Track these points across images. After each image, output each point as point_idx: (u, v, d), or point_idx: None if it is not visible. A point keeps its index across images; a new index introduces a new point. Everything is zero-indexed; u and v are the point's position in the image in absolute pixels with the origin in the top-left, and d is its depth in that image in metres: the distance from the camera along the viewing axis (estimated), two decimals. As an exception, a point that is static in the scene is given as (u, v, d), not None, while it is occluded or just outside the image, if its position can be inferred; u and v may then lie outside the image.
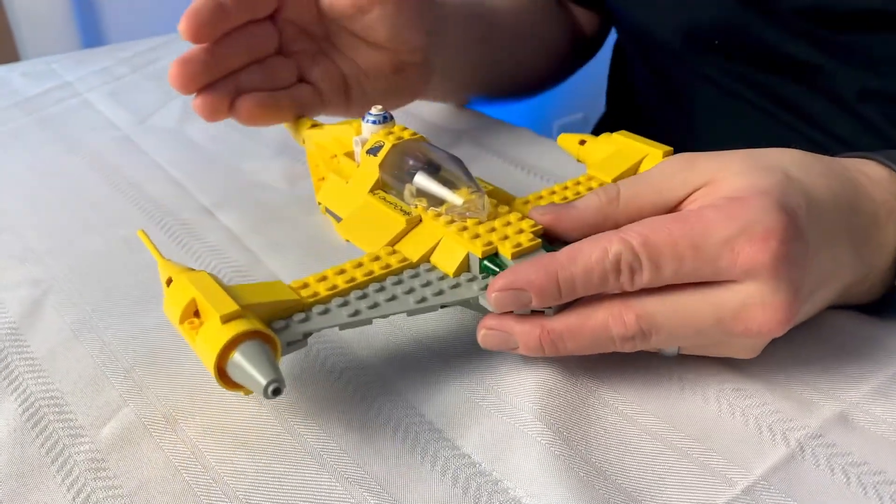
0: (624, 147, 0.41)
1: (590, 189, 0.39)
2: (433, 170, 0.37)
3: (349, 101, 0.49)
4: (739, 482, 0.29)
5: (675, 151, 0.40)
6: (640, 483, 0.29)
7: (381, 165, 0.38)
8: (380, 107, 0.41)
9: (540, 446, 0.30)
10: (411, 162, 0.37)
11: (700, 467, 0.30)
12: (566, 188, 0.39)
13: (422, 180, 0.36)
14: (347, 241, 0.38)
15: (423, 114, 0.62)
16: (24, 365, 0.36)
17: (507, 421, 0.32)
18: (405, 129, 0.40)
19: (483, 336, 0.32)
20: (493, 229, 0.34)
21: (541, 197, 0.39)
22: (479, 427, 0.32)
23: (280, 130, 0.58)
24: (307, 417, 0.32)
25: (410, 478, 0.29)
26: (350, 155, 0.42)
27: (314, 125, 0.46)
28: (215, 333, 0.28)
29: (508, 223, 0.34)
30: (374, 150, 0.39)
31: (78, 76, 0.70)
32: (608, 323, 0.30)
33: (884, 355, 0.34)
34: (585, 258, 0.30)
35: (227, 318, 0.28)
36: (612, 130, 0.43)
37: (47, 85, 0.68)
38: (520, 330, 0.31)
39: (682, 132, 0.63)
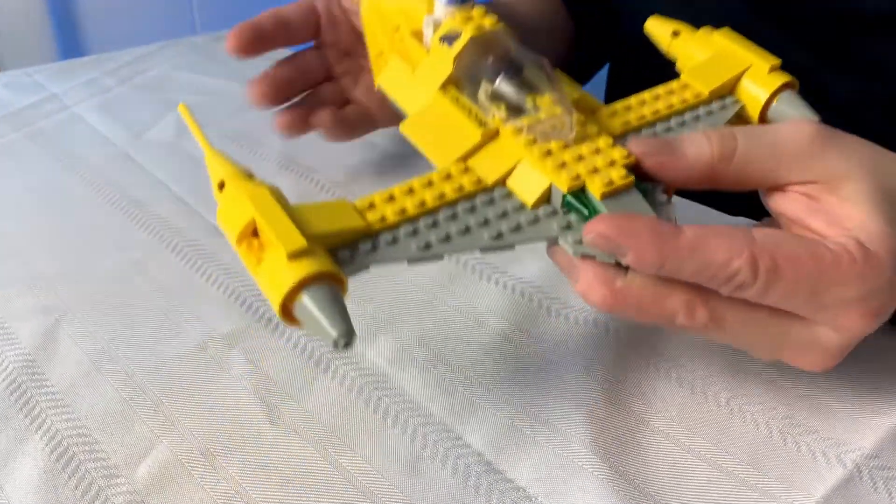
0: (724, 51, 0.36)
1: (684, 101, 0.34)
2: (515, 71, 0.32)
3: (398, 114, 0.49)
4: (801, 509, 0.29)
5: None
6: (701, 513, 0.29)
7: (456, 58, 0.34)
8: None
9: (598, 481, 0.30)
10: (491, 59, 0.33)
11: (759, 493, 0.29)
12: (658, 97, 0.34)
13: (503, 86, 0.32)
14: (412, 142, 0.34)
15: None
16: (45, 400, 0.34)
17: (560, 452, 0.31)
18: (486, 14, 0.34)
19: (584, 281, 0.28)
20: (580, 157, 0.30)
21: (629, 107, 0.34)
22: (531, 458, 0.31)
23: (282, 144, 0.57)
24: (351, 451, 0.31)
25: (468, 513, 0.29)
26: (418, 35, 0.37)
27: None
28: (281, 270, 0.25)
29: (598, 150, 0.30)
30: (448, 39, 0.34)
31: (64, 88, 0.68)
32: (679, 310, 0.28)
33: (925, 374, 0.34)
34: (707, 257, 0.26)
35: (294, 255, 0.25)
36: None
37: (33, 98, 0.66)
38: (590, 280, 0.28)
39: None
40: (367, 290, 0.40)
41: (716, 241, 0.27)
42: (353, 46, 0.49)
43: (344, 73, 0.49)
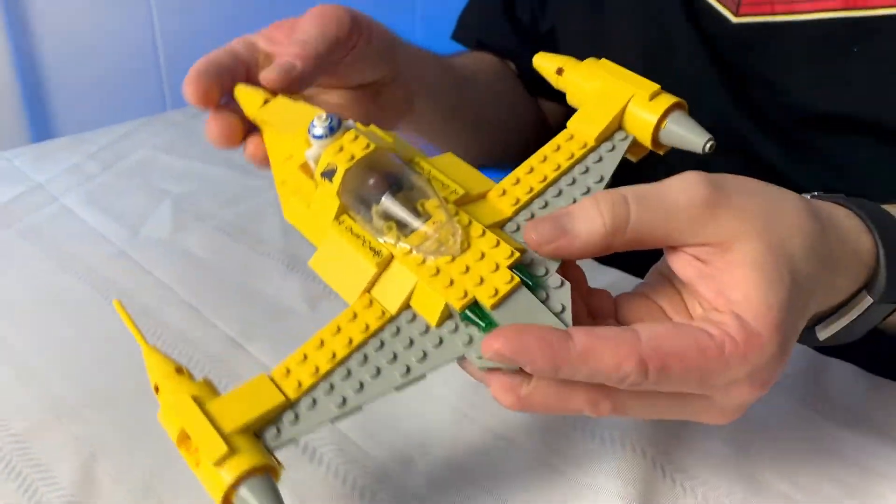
0: (607, 85, 0.35)
1: (571, 157, 0.34)
2: (396, 188, 0.33)
3: None
4: None
5: None
6: None
7: (338, 193, 0.34)
8: (323, 115, 0.35)
9: None
10: (371, 181, 0.33)
11: None
12: (545, 159, 0.34)
13: (388, 205, 0.33)
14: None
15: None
16: (98, 549, 0.34)
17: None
18: (356, 137, 0.34)
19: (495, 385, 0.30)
20: (467, 269, 0.31)
21: (518, 180, 0.34)
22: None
23: (284, 241, 0.58)
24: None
25: None
26: (306, 167, 0.37)
27: (267, 101, 0.41)
28: (214, 477, 0.28)
29: (483, 255, 0.31)
30: (328, 175, 0.34)
31: (47, 177, 0.68)
32: (584, 406, 0.30)
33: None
34: (597, 364, 0.28)
35: (220, 461, 0.28)
36: None
37: (18, 188, 0.65)
38: (498, 389, 0.30)
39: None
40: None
41: (604, 347, 0.28)
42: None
43: None
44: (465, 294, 0.30)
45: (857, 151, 0.53)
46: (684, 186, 0.30)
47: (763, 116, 0.55)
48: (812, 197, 0.36)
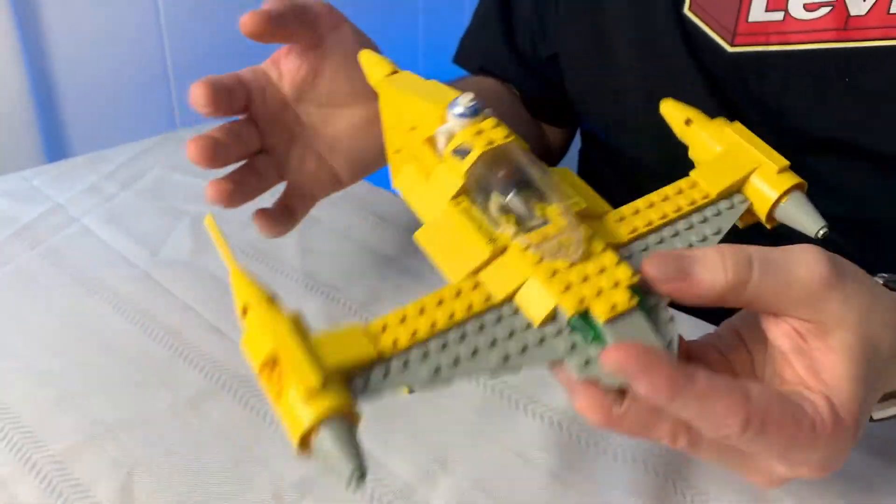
0: (735, 148, 0.37)
1: (692, 203, 0.35)
2: (525, 184, 0.34)
3: (336, 177, 0.53)
4: None
5: None
6: None
7: (466, 173, 0.34)
8: (471, 95, 0.36)
9: None
10: (501, 173, 0.34)
11: None
12: (666, 198, 0.35)
13: (513, 200, 0.33)
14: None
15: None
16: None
17: None
18: (497, 124, 0.35)
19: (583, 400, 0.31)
20: (585, 278, 0.31)
21: (637, 211, 0.35)
22: None
23: (302, 261, 0.60)
24: None
25: None
26: (432, 141, 0.37)
27: (394, 72, 0.42)
28: (299, 407, 0.27)
29: (603, 269, 0.31)
30: (461, 152, 0.35)
31: (66, 197, 0.69)
32: (664, 436, 0.31)
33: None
34: (709, 409, 0.29)
35: (312, 393, 0.27)
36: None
37: (39, 208, 0.67)
38: (589, 403, 0.30)
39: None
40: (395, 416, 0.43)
41: (719, 395, 0.29)
42: (281, 114, 0.51)
43: (275, 144, 0.51)
44: (582, 302, 0.30)
45: (851, 174, 0.56)
46: (808, 260, 0.31)
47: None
48: (884, 280, 0.37)
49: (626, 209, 0.35)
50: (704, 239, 0.34)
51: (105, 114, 0.92)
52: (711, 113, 0.58)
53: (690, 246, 0.34)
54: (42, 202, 0.69)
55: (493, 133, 0.34)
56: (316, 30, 0.50)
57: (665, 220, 0.34)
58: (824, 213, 0.56)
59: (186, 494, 0.40)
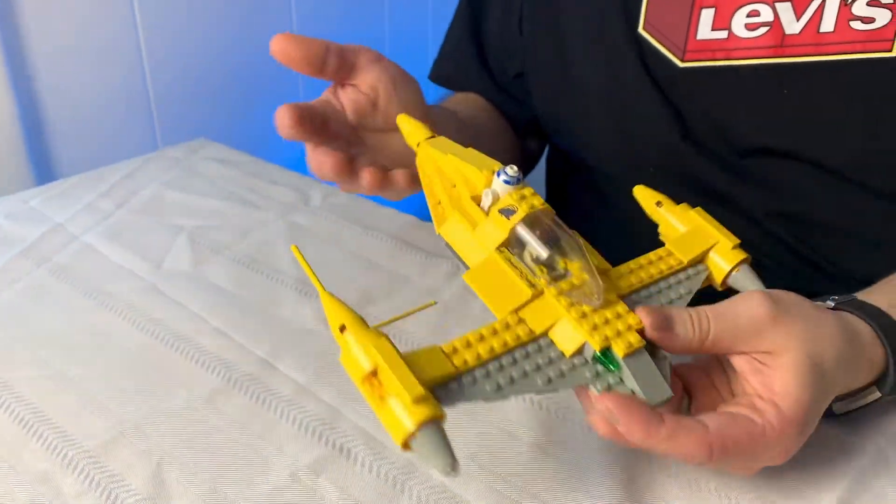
0: (698, 228, 0.47)
1: (670, 267, 0.45)
2: (554, 242, 0.41)
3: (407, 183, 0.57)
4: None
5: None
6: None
7: (511, 229, 0.42)
8: (515, 168, 0.43)
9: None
10: (538, 232, 0.41)
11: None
12: (651, 262, 0.45)
13: (546, 257, 0.41)
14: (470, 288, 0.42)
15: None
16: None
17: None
18: (535, 194, 0.43)
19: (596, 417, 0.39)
20: (606, 321, 0.39)
21: (631, 270, 0.44)
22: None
23: (297, 270, 0.64)
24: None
25: None
26: (477, 199, 0.45)
27: (431, 136, 0.50)
28: (402, 414, 0.33)
29: (618, 315, 0.40)
30: (506, 212, 0.42)
31: (65, 216, 0.73)
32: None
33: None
34: (675, 447, 0.37)
35: (416, 401, 0.33)
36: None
37: (41, 228, 0.71)
38: (599, 417, 0.38)
39: (616, 239, 0.74)
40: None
41: (683, 435, 0.37)
42: (349, 135, 0.56)
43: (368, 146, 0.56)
44: (606, 339, 0.39)
45: (790, 176, 0.62)
46: (750, 305, 0.40)
47: (708, 149, 0.64)
48: (835, 303, 0.46)
49: (623, 268, 0.44)
50: (680, 297, 0.44)
51: (90, 136, 0.96)
52: (664, 124, 0.65)
53: (671, 302, 0.44)
54: (43, 222, 0.73)
55: (534, 200, 0.42)
56: (356, 65, 0.55)
57: (652, 279, 0.44)
58: (767, 208, 0.63)
59: (212, 479, 0.45)
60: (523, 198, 0.42)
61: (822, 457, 0.46)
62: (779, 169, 0.62)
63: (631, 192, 0.66)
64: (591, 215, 0.76)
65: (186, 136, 0.93)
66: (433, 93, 0.85)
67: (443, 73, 0.81)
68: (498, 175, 0.43)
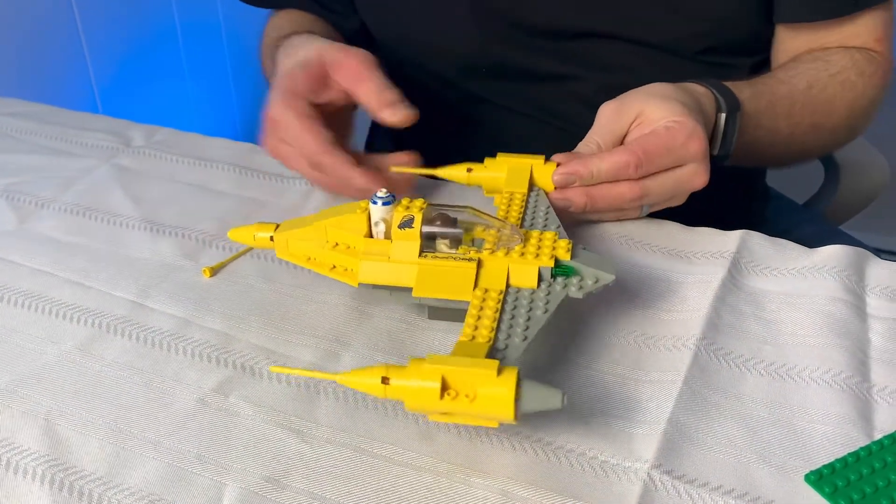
0: (514, 164, 0.55)
1: (524, 201, 0.53)
2: (455, 222, 0.46)
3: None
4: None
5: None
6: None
7: (420, 233, 0.45)
8: (384, 190, 0.46)
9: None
10: (439, 222, 0.46)
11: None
12: (511, 201, 0.53)
13: (461, 234, 0.46)
14: (420, 299, 0.45)
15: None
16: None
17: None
18: (411, 200, 0.47)
19: (557, 177, 0.53)
20: (538, 247, 0.45)
21: (507, 213, 0.52)
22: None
23: (141, 209, 0.60)
24: (370, 438, 0.40)
25: None
26: (369, 236, 0.47)
27: (275, 228, 0.50)
28: (499, 392, 0.36)
29: (540, 239, 0.46)
30: (405, 224, 0.46)
31: None
32: (625, 192, 0.53)
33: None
34: (612, 160, 0.51)
35: (500, 371, 0.36)
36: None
37: None
38: (573, 193, 0.53)
39: (461, 141, 0.76)
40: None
41: (614, 152, 0.52)
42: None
43: None
44: (552, 257, 0.45)
45: (616, 54, 0.68)
46: (602, 112, 0.55)
47: (539, 33, 0.68)
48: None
49: (499, 213, 0.52)
50: (546, 213, 0.51)
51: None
52: (495, 15, 0.67)
53: (545, 225, 0.50)
54: None
55: (414, 205, 0.46)
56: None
57: (521, 212, 0.52)
58: (602, 83, 0.68)
59: (113, 421, 0.42)
60: (407, 207, 0.46)
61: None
62: (607, 50, 0.67)
63: (469, 97, 0.71)
64: (435, 128, 0.78)
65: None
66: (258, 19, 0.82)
67: None
68: (374, 202, 0.46)
